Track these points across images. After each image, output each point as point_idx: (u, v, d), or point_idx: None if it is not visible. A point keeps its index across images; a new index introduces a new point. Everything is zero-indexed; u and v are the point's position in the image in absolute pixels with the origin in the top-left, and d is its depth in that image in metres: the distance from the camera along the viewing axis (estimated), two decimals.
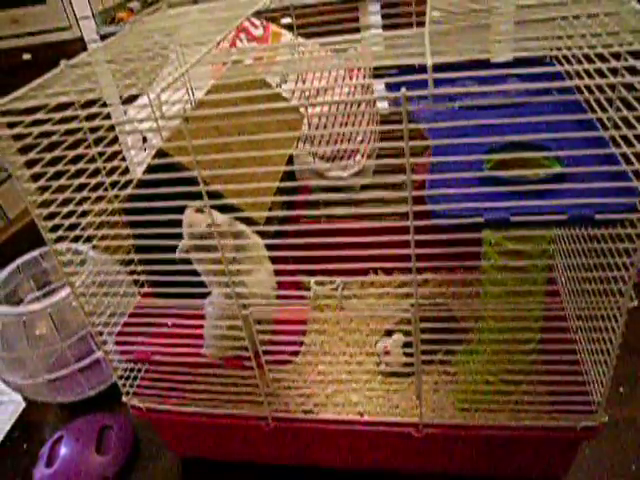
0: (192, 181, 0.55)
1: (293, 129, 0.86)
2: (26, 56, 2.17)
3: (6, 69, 2.17)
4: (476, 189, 0.53)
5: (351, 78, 1.22)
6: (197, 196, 0.55)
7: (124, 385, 0.75)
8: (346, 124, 1.20)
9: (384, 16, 1.37)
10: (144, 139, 1.18)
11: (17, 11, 2.12)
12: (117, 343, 0.72)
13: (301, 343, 0.65)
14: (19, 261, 0.97)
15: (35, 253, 0.98)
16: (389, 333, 0.83)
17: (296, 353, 0.66)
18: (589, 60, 0.55)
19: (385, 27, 1.40)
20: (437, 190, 0.54)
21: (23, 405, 0.98)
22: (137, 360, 0.74)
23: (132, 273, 0.71)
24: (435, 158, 0.58)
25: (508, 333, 0.66)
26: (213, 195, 0.56)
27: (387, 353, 0.81)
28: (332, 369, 0.83)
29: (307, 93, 1.13)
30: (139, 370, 0.79)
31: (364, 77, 1.22)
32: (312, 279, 0.55)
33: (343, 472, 0.77)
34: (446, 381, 0.80)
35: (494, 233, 0.62)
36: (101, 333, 0.70)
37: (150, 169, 0.66)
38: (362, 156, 1.21)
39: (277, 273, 0.68)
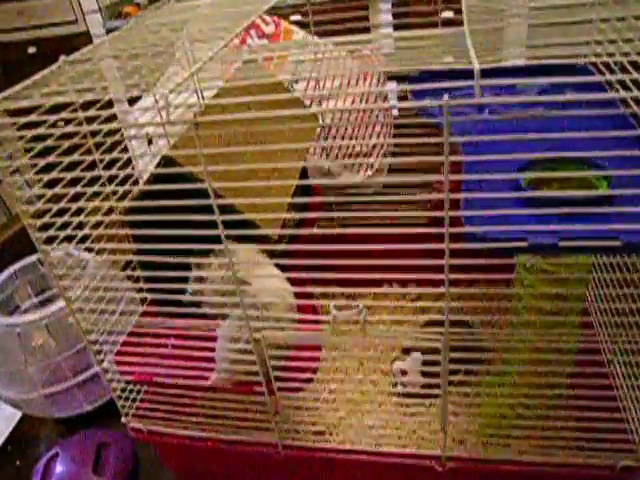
0: (200, 193, 0.48)
1: (308, 136, 0.79)
2: (31, 49, 2.10)
3: (11, 62, 2.10)
4: (518, 210, 0.47)
5: (365, 79, 1.15)
6: (206, 209, 0.49)
7: (123, 406, 0.69)
8: (359, 127, 1.14)
9: (395, 15, 1.30)
10: (149, 141, 1.12)
11: (23, 3, 2.05)
12: (116, 363, 0.66)
13: (315, 370, 0.59)
14: (16, 266, 0.91)
15: (33, 258, 0.92)
16: (406, 351, 0.77)
17: (309, 380, 0.60)
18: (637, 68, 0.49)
19: (396, 27, 1.34)
20: (474, 210, 0.48)
21: (17, 417, 0.92)
22: (138, 381, 0.67)
23: (134, 289, 0.64)
24: (469, 174, 0.52)
25: (540, 365, 0.59)
26: (223, 208, 0.50)
27: (404, 373, 0.75)
28: (345, 388, 0.77)
29: (320, 95, 1.06)
30: (139, 391, 0.73)
31: (378, 79, 1.16)
32: (331, 303, 0.48)
33: None
34: (466, 407, 0.74)
35: (530, 258, 0.56)
36: (99, 352, 0.64)
37: (155, 178, 0.59)
38: (376, 156, 1.14)
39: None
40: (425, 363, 0.74)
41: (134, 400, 0.71)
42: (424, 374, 0.74)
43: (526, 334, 0.57)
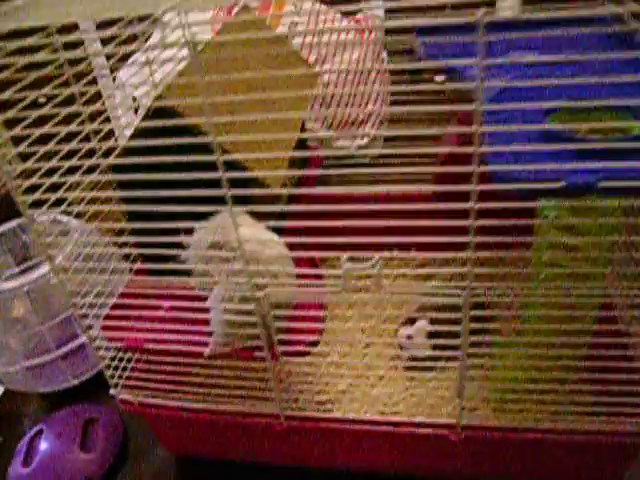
0: (196, 146, 0.43)
1: (308, 88, 0.74)
2: None
3: None
4: (550, 146, 0.43)
5: (361, 43, 1.10)
6: (203, 166, 0.43)
7: (112, 376, 0.64)
8: (354, 94, 1.09)
9: None
10: (134, 99, 1.06)
11: None
12: (104, 328, 0.61)
13: (321, 332, 0.54)
14: None
15: (13, 224, 0.86)
16: (411, 321, 0.73)
17: (315, 343, 0.55)
18: None
19: None
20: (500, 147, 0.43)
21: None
22: (128, 348, 0.62)
23: (123, 246, 0.59)
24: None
25: (560, 322, 0.55)
26: (225, 164, 0.45)
27: (410, 342, 0.71)
28: (348, 359, 0.73)
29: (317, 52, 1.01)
30: (129, 359, 0.68)
31: (375, 40, 1.11)
32: (343, 254, 0.43)
33: (362, 476, 0.67)
34: (477, 376, 0.70)
35: (555, 204, 0.51)
36: (86, 316, 0.59)
37: (146, 118, 0.54)
38: (372, 125, 1.09)
39: (290, 248, 0.57)
40: (431, 333, 0.70)
41: (124, 369, 0.66)
42: (432, 338, 0.69)
43: (545, 289, 0.52)
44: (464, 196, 0.42)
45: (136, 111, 1.09)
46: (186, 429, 0.68)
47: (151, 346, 0.59)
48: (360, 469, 0.67)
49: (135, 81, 0.89)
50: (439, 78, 1.11)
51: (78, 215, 0.59)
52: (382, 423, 0.61)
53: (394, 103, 1.11)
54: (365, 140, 1.09)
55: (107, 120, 0.59)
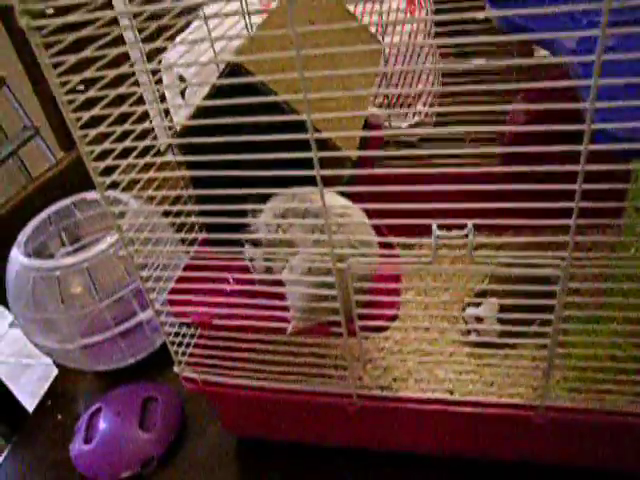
0: (279, 107, 0.41)
1: (375, 63, 0.71)
2: None
3: None
4: None
5: (412, 13, 1.06)
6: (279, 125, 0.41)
7: (176, 353, 0.62)
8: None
9: None
10: (181, 78, 1.04)
11: None
12: (170, 303, 0.59)
13: (399, 306, 0.52)
14: (49, 210, 0.83)
15: (67, 201, 0.84)
16: (480, 295, 0.70)
17: (394, 317, 0.52)
18: None
19: None
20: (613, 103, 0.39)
21: (55, 371, 0.85)
22: (196, 324, 0.60)
23: (188, 215, 0.57)
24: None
25: None
26: (298, 124, 0.42)
27: (479, 320, 0.68)
28: (412, 338, 0.70)
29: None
30: (192, 335, 0.66)
31: (427, 13, 1.07)
32: (434, 222, 0.40)
33: (435, 459, 0.64)
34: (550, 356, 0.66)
35: None
36: (153, 289, 0.57)
37: (219, 90, 0.51)
38: (424, 104, 1.06)
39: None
40: (503, 310, 0.67)
41: (187, 346, 0.64)
42: (502, 322, 0.66)
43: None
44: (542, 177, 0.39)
45: (183, 93, 1.07)
46: (250, 409, 0.66)
47: (220, 322, 0.56)
48: (430, 453, 0.64)
49: (184, 61, 0.87)
50: (477, 62, 1.07)
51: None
52: (454, 403, 0.58)
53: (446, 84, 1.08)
54: (416, 118, 1.06)
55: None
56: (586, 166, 0.38)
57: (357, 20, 0.70)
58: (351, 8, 0.96)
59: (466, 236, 0.43)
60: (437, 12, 1.11)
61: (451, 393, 0.65)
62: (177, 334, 0.63)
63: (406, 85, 1.05)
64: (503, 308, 0.67)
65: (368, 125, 0.82)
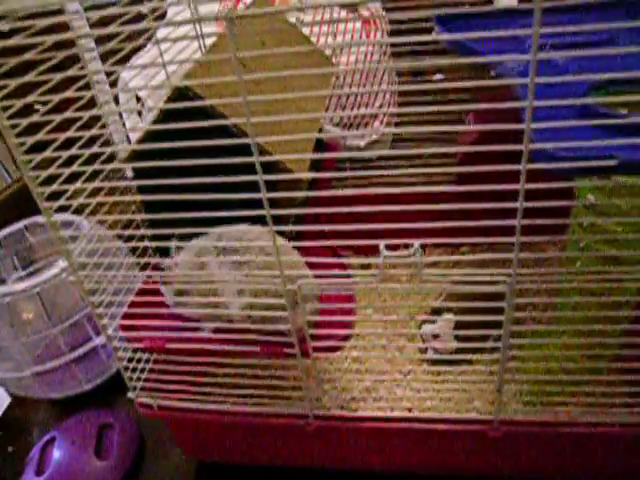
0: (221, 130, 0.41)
1: (326, 83, 0.72)
2: None
3: None
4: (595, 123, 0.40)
5: (368, 36, 1.08)
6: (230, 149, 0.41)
7: (130, 379, 0.61)
8: (364, 86, 1.07)
9: None
10: (138, 99, 1.03)
11: None
12: (122, 328, 0.58)
13: (353, 325, 0.52)
14: (1, 234, 0.81)
15: (20, 225, 0.82)
16: (435, 312, 0.70)
17: (348, 338, 0.52)
18: None
19: None
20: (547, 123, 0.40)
21: (8, 400, 0.83)
22: (148, 349, 0.59)
23: (140, 239, 0.56)
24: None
25: (597, 309, 0.53)
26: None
27: (436, 337, 0.68)
28: (370, 357, 0.70)
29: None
30: (147, 360, 0.65)
31: (382, 33, 1.09)
32: (382, 242, 0.41)
33: (391, 477, 0.64)
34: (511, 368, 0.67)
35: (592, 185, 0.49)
36: (103, 315, 0.56)
37: (166, 114, 0.51)
38: (380, 123, 1.07)
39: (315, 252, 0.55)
40: (459, 326, 0.67)
41: (142, 371, 0.63)
42: (458, 339, 0.67)
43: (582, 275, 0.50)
44: (493, 194, 0.39)
45: (140, 113, 1.06)
46: (207, 433, 0.65)
47: (172, 346, 0.56)
48: (389, 470, 0.64)
49: (140, 82, 0.86)
50: (438, 77, 1.10)
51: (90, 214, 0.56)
52: (414, 420, 0.58)
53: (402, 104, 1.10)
54: (374, 136, 1.07)
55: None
56: (526, 185, 0.39)
57: (311, 43, 0.71)
58: (307, 29, 0.98)
59: (413, 255, 0.43)
60: (393, 33, 1.12)
61: (409, 410, 0.65)
62: (131, 359, 0.61)
63: (362, 104, 1.06)
64: (458, 324, 0.67)
65: (324, 144, 0.83)
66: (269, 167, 0.49)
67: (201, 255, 0.51)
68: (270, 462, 0.66)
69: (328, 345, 0.51)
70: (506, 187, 0.39)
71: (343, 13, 1.06)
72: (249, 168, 0.42)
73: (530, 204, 0.40)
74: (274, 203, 0.43)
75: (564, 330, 0.57)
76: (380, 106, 1.08)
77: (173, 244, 0.51)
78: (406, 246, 0.43)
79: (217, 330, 0.53)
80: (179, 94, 0.50)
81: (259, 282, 0.48)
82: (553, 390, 0.57)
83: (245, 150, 0.41)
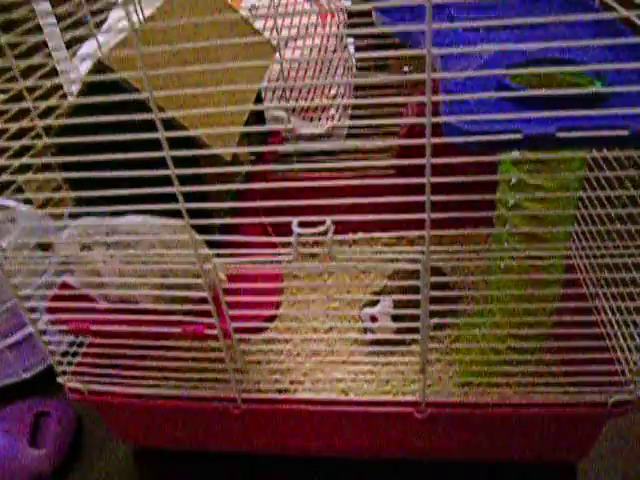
0: (139, 106, 0.40)
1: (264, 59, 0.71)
2: None
3: None
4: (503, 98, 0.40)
5: (324, 26, 1.07)
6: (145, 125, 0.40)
7: (60, 363, 0.60)
8: (318, 76, 1.06)
9: None
10: None
11: None
12: (49, 311, 0.57)
13: (278, 305, 0.51)
14: None
15: None
16: (374, 303, 0.70)
17: (272, 318, 0.52)
18: None
19: None
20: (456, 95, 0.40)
21: None
22: (73, 331, 0.58)
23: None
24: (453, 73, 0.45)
25: (525, 287, 0.53)
26: (166, 124, 0.41)
27: (374, 320, 0.68)
28: (309, 340, 0.70)
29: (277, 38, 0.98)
30: (80, 344, 0.64)
31: (337, 25, 1.08)
32: (295, 219, 0.40)
33: (326, 461, 0.64)
34: (444, 353, 0.68)
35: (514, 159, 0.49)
36: (29, 298, 0.55)
37: (87, 89, 0.50)
38: (336, 112, 1.07)
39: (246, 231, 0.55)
40: (396, 309, 0.68)
41: (74, 355, 0.62)
42: (396, 320, 0.67)
43: (507, 252, 0.50)
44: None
45: None
46: (139, 418, 0.64)
47: (97, 328, 0.55)
48: (322, 453, 0.64)
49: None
50: (407, 69, 1.10)
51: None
52: (344, 403, 0.58)
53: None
54: (328, 124, 1.06)
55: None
56: (432, 159, 0.39)
57: (248, 24, 0.70)
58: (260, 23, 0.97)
59: (325, 233, 0.43)
60: (351, 25, 1.12)
61: (346, 394, 0.65)
62: (61, 343, 0.60)
63: (316, 95, 1.06)
64: (397, 306, 0.67)
65: (268, 129, 0.82)
66: (189, 143, 0.49)
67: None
68: (206, 447, 0.66)
69: (251, 326, 0.51)
70: (414, 161, 0.39)
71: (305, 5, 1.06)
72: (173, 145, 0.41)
73: (437, 179, 0.40)
74: (198, 181, 0.43)
75: (493, 309, 0.57)
76: (334, 97, 1.08)
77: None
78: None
79: (138, 312, 0.52)
80: (98, 67, 0.49)
81: (168, 262, 0.47)
82: (486, 370, 0.58)
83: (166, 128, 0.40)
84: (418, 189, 0.40)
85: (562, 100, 0.38)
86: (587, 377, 0.52)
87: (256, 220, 0.44)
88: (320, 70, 1.06)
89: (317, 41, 1.05)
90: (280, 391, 0.64)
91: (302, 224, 0.43)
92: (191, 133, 0.48)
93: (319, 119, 1.07)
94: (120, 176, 0.42)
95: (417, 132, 0.42)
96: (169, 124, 0.44)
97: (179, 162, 0.42)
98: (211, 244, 0.48)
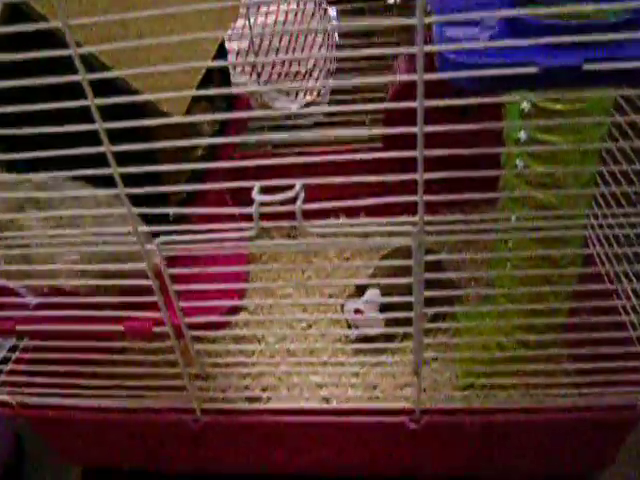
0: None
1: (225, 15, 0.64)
2: None
3: None
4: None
5: None
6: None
7: None
8: (294, 47, 1.00)
9: None
10: None
11: None
12: None
13: (241, 295, 0.44)
14: None
15: None
16: (360, 290, 0.63)
17: (234, 310, 0.45)
18: None
19: None
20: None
21: None
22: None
23: None
24: None
25: (535, 282, 0.47)
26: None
27: (359, 314, 0.61)
28: (284, 339, 0.64)
29: None
30: (14, 348, 0.57)
31: None
32: (256, 184, 0.34)
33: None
34: (439, 348, 0.61)
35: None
36: None
37: None
38: (315, 82, 1.00)
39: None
40: (384, 305, 0.61)
41: (5, 362, 0.55)
42: (385, 311, 0.60)
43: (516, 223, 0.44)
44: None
45: None
46: (83, 435, 0.57)
47: (24, 327, 0.47)
48: (300, 472, 0.57)
49: None
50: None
51: None
52: (325, 412, 0.52)
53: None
54: (309, 97, 0.99)
55: None
56: (426, 102, 0.32)
57: None
58: None
59: (294, 200, 0.36)
60: None
61: (327, 401, 0.58)
62: None
63: (295, 62, 0.99)
64: (386, 294, 0.61)
65: (234, 99, 0.75)
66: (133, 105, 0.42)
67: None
68: (163, 468, 0.59)
69: (208, 321, 0.44)
70: (405, 105, 0.32)
71: None
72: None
73: (430, 128, 0.33)
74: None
75: (498, 296, 0.51)
76: (314, 65, 1.01)
77: None
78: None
79: (73, 306, 0.45)
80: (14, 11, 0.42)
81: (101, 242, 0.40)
82: (490, 370, 0.51)
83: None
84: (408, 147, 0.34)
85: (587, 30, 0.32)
86: (610, 375, 0.46)
87: (207, 187, 0.37)
88: (297, 38, 1.00)
89: (293, 5, 0.99)
90: (250, 400, 0.58)
91: (266, 190, 0.36)
92: (116, 73, 0.41)
93: (296, 93, 1.00)
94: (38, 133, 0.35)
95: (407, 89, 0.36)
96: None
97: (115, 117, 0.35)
98: (160, 219, 0.42)
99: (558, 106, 0.40)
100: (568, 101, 0.41)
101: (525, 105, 0.41)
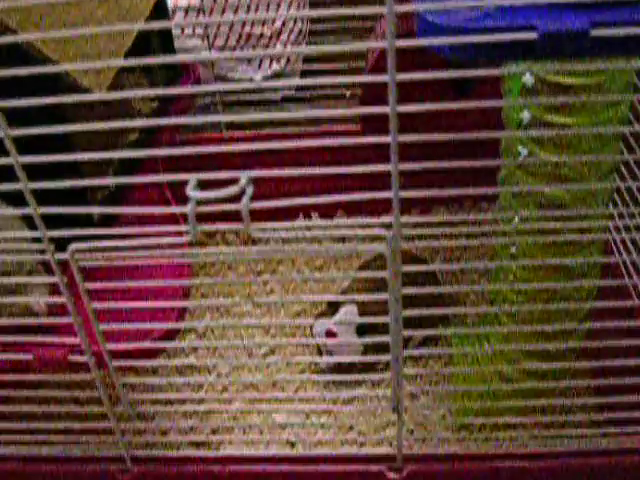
0: None
1: None
2: None
3: None
4: None
5: None
6: None
7: None
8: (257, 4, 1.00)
9: None
10: None
11: None
12: None
13: (181, 313, 0.45)
14: None
15: None
16: (333, 307, 0.64)
17: (170, 334, 0.45)
18: None
19: None
20: None
21: None
22: None
23: None
24: None
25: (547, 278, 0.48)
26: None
27: (331, 336, 0.62)
28: (240, 369, 0.65)
29: None
30: None
31: None
32: (192, 176, 0.34)
33: None
34: (429, 379, 0.62)
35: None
36: None
37: None
38: (284, 46, 1.01)
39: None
40: (361, 325, 0.62)
41: None
42: (362, 334, 0.61)
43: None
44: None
45: None
46: None
47: None
48: None
49: None
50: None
51: None
52: (290, 460, 0.53)
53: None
54: (276, 66, 1.00)
55: None
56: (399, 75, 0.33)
57: None
58: None
59: (239, 197, 0.36)
60: None
61: (293, 446, 0.60)
62: None
63: (254, 30, 1.00)
64: (364, 313, 0.62)
65: (178, 69, 0.76)
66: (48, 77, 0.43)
67: None
68: None
69: (137, 347, 0.44)
70: (377, 79, 0.32)
71: None
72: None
73: (406, 108, 0.33)
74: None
75: (500, 315, 0.52)
76: (282, 26, 1.02)
77: None
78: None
79: None
80: None
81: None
82: (491, 407, 0.53)
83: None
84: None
85: None
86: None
87: (141, 179, 0.37)
88: None
89: None
90: (196, 445, 0.59)
91: (210, 185, 0.36)
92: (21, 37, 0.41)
93: (260, 61, 1.01)
94: None
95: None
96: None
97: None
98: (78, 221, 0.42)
99: (570, 79, 0.41)
100: (582, 73, 0.42)
101: (527, 79, 0.41)
